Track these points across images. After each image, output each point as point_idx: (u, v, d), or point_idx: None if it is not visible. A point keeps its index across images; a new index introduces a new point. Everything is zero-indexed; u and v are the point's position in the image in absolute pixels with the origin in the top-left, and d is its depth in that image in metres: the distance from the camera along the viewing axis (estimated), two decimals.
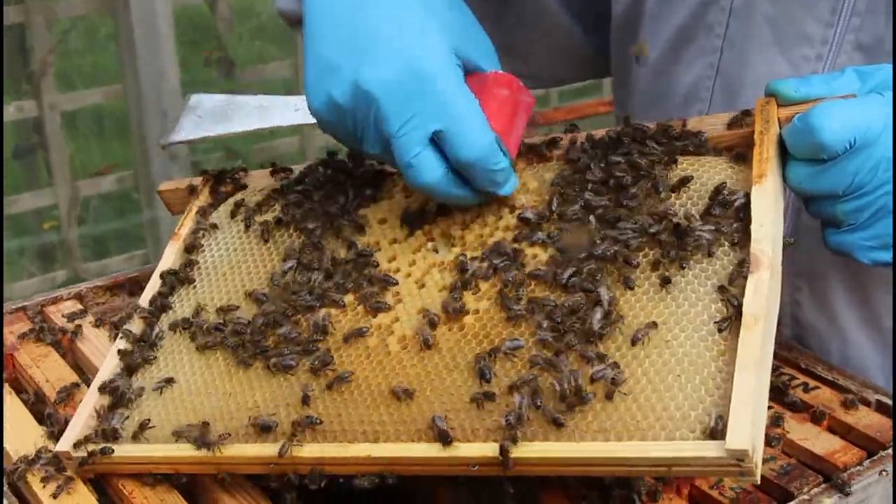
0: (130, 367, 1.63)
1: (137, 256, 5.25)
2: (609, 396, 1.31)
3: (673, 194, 1.50)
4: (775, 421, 1.60)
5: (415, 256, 1.57)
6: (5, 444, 1.61)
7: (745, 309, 1.33)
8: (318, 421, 1.42)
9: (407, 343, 1.47)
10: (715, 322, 1.35)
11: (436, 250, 1.56)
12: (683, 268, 1.40)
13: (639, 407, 1.30)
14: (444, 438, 1.33)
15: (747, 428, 1.22)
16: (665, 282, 1.40)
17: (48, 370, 1.82)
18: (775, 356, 1.76)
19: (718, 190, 1.47)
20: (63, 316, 1.97)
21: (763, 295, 1.34)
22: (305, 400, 1.45)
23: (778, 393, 1.67)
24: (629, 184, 1.51)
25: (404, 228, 1.61)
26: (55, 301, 2.03)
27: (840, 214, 1.48)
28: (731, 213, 1.44)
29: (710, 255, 1.41)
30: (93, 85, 5.32)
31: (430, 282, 1.53)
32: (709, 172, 1.51)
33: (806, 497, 1.44)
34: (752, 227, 1.40)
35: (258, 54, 6.17)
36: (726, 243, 1.41)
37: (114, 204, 5.51)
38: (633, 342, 1.35)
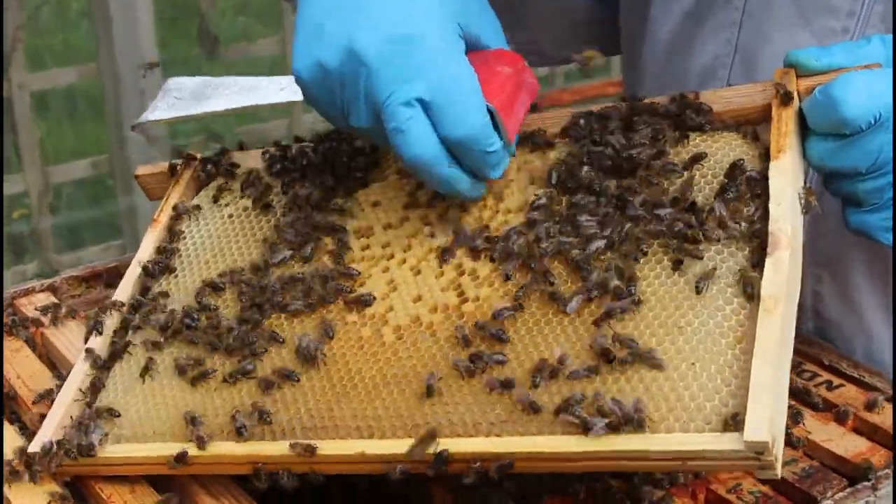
0: (104, 364, 1.63)
1: (114, 247, 5.24)
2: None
3: (686, 172, 1.50)
4: (795, 419, 1.60)
5: (410, 241, 1.57)
6: None
7: (763, 291, 1.32)
8: (268, 419, 1.43)
9: (402, 333, 1.47)
10: (731, 306, 1.35)
11: (433, 235, 1.56)
12: (698, 250, 1.40)
13: (651, 398, 1.30)
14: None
15: (766, 419, 1.21)
16: (677, 264, 1.40)
17: (20, 366, 1.82)
18: (797, 352, 1.77)
19: (734, 167, 1.46)
20: (36, 309, 1.97)
21: (783, 275, 1.32)
22: (292, 376, 1.47)
23: (799, 391, 1.67)
24: (642, 162, 1.51)
25: (399, 212, 1.61)
26: (27, 293, 2.02)
27: (862, 193, 1.47)
28: (748, 192, 1.44)
29: (726, 235, 1.40)
30: (65, 64, 5.30)
31: (427, 268, 1.53)
32: (723, 149, 1.51)
33: (830, 502, 1.44)
34: (771, 205, 1.39)
35: (243, 31, 6.15)
36: (743, 223, 1.41)
37: (88, 191, 5.49)
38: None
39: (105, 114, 5.18)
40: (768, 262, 1.34)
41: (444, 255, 1.51)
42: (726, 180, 1.45)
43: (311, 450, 1.38)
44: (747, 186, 1.44)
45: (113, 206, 5.38)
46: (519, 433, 1.32)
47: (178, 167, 1.89)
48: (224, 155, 1.85)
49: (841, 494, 1.46)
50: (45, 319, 1.92)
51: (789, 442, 1.56)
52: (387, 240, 1.59)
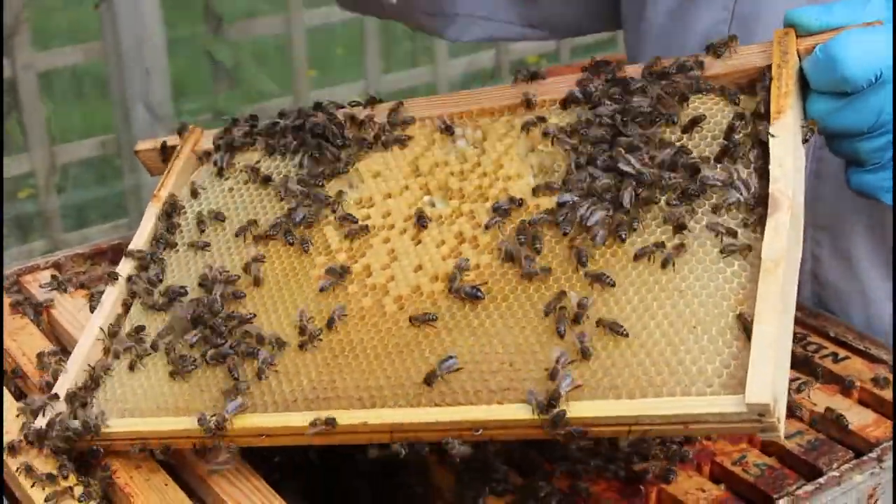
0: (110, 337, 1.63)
1: (120, 226, 5.23)
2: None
3: (685, 136, 1.48)
4: (800, 390, 1.60)
5: (410, 212, 1.56)
6: None
7: (764, 253, 1.31)
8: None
9: (403, 303, 1.47)
10: (732, 269, 1.34)
11: (433, 204, 1.56)
12: (697, 212, 1.39)
13: (652, 362, 1.29)
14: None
15: (768, 380, 1.20)
16: (680, 228, 1.39)
17: (25, 343, 1.82)
18: (802, 325, 1.77)
19: (732, 129, 1.44)
20: (40, 286, 1.97)
21: (783, 238, 1.31)
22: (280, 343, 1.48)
23: (804, 363, 1.67)
24: (642, 124, 1.49)
25: (400, 181, 1.60)
26: (32, 270, 2.03)
27: (863, 153, 1.46)
28: (748, 153, 1.42)
29: (726, 198, 1.39)
30: (70, 43, 5.29)
31: (428, 238, 1.52)
32: (723, 111, 1.49)
33: (835, 473, 1.44)
34: (771, 166, 1.38)
35: (248, 9, 6.12)
36: (742, 187, 1.39)
37: (94, 170, 5.49)
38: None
39: (111, 93, 5.16)
40: (769, 224, 1.33)
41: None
42: (726, 142, 1.43)
43: (330, 422, 1.38)
44: (746, 148, 1.42)
45: (119, 186, 5.37)
46: (521, 399, 1.32)
47: (181, 137, 1.89)
48: (233, 126, 1.84)
49: (846, 466, 1.46)
50: (50, 296, 1.92)
51: (792, 412, 1.56)
52: (387, 209, 1.59)
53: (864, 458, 1.47)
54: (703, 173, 1.41)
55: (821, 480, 1.43)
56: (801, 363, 1.67)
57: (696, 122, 1.47)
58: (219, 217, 1.71)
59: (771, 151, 1.39)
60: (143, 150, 1.94)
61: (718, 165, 1.42)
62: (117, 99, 5.14)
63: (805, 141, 1.43)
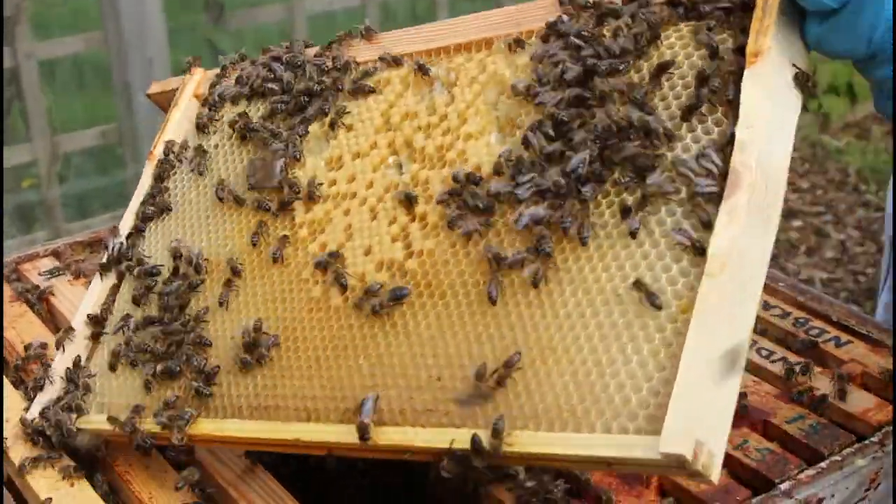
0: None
1: (122, 215, 5.23)
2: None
3: (652, 84, 1.26)
4: (804, 372, 1.59)
5: (374, 176, 1.49)
6: None
7: (710, 248, 1.11)
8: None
9: (348, 295, 1.40)
10: (680, 264, 1.14)
11: (399, 166, 1.47)
12: (646, 197, 1.19)
13: (576, 385, 1.14)
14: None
15: (689, 425, 1.03)
16: (625, 213, 1.20)
17: (24, 331, 1.82)
18: (803, 308, 1.76)
19: (703, 78, 1.22)
20: (40, 274, 1.97)
21: (738, 227, 1.11)
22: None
23: (807, 347, 1.66)
24: (601, 74, 1.29)
25: (370, 137, 1.53)
26: (31, 258, 2.02)
27: (875, 82, 1.30)
28: (723, 99, 1.20)
29: (681, 173, 1.18)
30: (71, 32, 5.28)
31: (382, 212, 1.44)
32: (700, 51, 1.26)
33: (837, 458, 1.43)
34: (738, 127, 1.16)
35: None
36: (713, 154, 1.18)
37: (96, 160, 5.48)
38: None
39: (112, 82, 5.16)
40: (721, 208, 1.13)
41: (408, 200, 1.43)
42: (695, 97, 1.22)
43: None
44: (715, 104, 1.21)
45: (121, 175, 5.36)
46: (442, 424, 1.23)
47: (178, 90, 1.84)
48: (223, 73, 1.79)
49: (848, 450, 1.45)
50: (49, 284, 1.92)
51: (793, 397, 1.55)
52: (353, 173, 1.51)
53: (866, 441, 1.46)
54: (653, 174, 1.21)
55: (822, 465, 1.42)
56: (804, 347, 1.66)
57: (663, 68, 1.26)
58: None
59: (741, 107, 1.17)
60: (155, 93, 1.91)
61: (685, 125, 1.22)
62: (119, 88, 5.13)
63: (804, 86, 1.22)
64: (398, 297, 1.33)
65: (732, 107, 1.19)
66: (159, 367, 1.50)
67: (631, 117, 1.23)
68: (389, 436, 1.26)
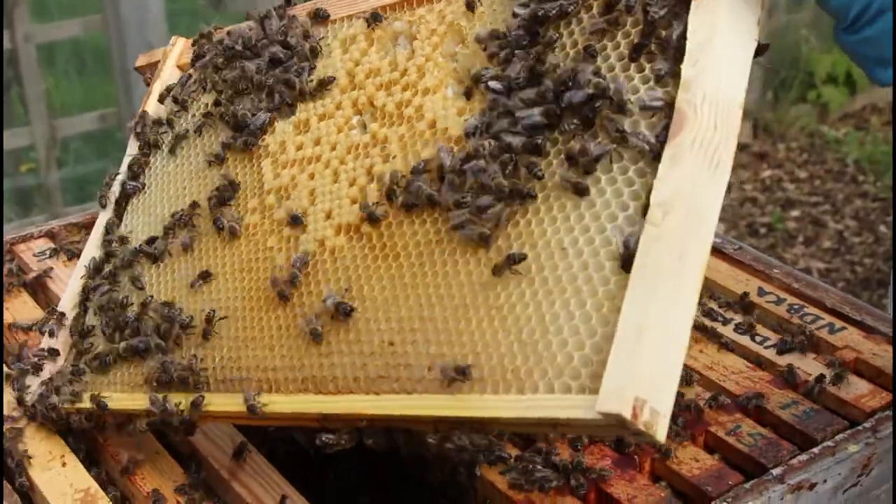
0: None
1: None
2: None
3: (603, 19, 1.22)
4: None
5: (338, 138, 1.47)
6: None
7: (653, 196, 1.07)
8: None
9: (308, 261, 1.40)
10: (625, 213, 1.11)
11: (363, 126, 1.46)
12: (594, 140, 1.16)
13: (520, 345, 1.13)
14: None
15: (628, 381, 1.00)
16: (571, 162, 1.17)
17: (18, 312, 1.81)
18: (797, 294, 1.75)
19: (647, 6, 1.16)
20: (34, 255, 1.96)
21: (681, 171, 1.07)
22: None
23: (800, 334, 1.65)
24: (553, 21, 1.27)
25: (336, 97, 1.51)
26: (25, 239, 2.02)
27: (866, 38, 1.23)
28: (665, 46, 1.16)
29: (628, 119, 1.14)
30: (71, 15, 5.26)
31: (343, 173, 1.43)
32: None
33: (830, 443, 1.43)
34: (684, 65, 1.12)
35: None
36: (648, 95, 1.13)
37: (95, 144, 5.47)
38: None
39: (111, 66, 5.14)
40: (665, 152, 1.08)
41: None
42: (643, 35, 1.17)
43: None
44: (663, 41, 1.16)
45: (120, 159, 5.36)
46: (394, 391, 1.23)
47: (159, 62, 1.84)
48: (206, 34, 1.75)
49: (841, 436, 1.45)
50: (43, 265, 1.91)
51: (792, 386, 1.55)
52: (319, 136, 1.50)
53: (859, 427, 1.46)
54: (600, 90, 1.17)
55: (815, 450, 1.42)
56: (797, 334, 1.66)
57: (611, 5, 1.22)
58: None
59: (687, 41, 1.12)
60: (142, 65, 1.90)
61: (633, 65, 1.18)
62: (118, 72, 5.11)
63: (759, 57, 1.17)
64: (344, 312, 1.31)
65: (678, 45, 1.14)
66: (122, 346, 1.50)
67: (580, 77, 1.19)
68: (342, 405, 1.26)
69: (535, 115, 1.21)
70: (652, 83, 1.15)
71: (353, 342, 1.29)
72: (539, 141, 1.20)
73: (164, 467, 1.48)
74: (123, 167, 1.76)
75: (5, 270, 1.90)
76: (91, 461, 1.52)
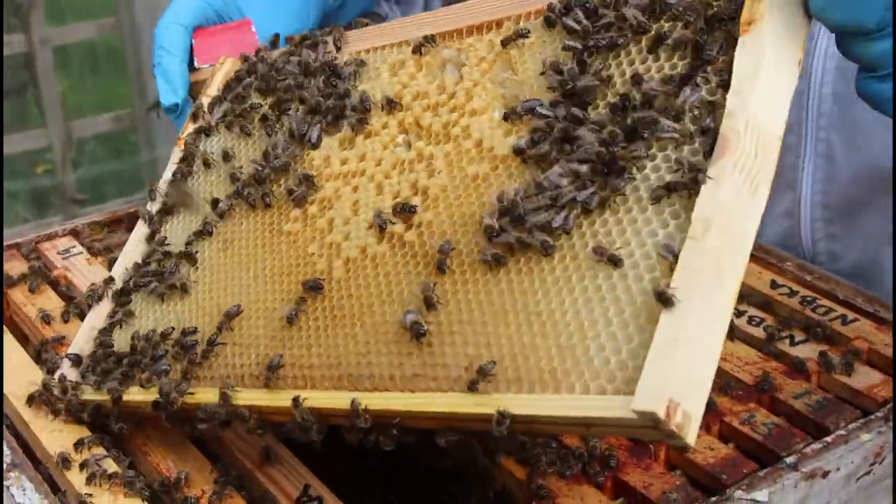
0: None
1: (136, 200, 5.25)
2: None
3: (650, 57, 1.28)
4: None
5: (383, 154, 1.51)
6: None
7: (695, 212, 1.13)
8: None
9: (350, 267, 1.43)
10: (666, 230, 1.16)
11: (408, 144, 1.49)
12: (634, 160, 1.21)
13: (558, 349, 1.17)
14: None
15: (664, 383, 1.04)
16: (607, 172, 1.22)
17: (44, 307, 1.84)
18: (809, 286, 1.78)
19: (697, 48, 1.22)
20: (58, 253, 2.00)
21: (723, 192, 1.12)
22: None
23: (813, 325, 1.68)
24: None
25: (382, 118, 1.55)
26: (50, 237, 2.05)
27: (873, 55, 1.26)
28: (713, 80, 1.20)
29: (671, 136, 1.20)
30: (85, 18, 5.30)
31: (387, 185, 1.47)
32: (695, 21, 1.25)
33: (843, 432, 1.45)
34: (729, 95, 1.17)
35: None
36: (692, 122, 1.19)
37: (110, 145, 5.51)
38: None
39: (126, 68, 5.19)
40: (710, 172, 1.14)
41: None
42: (690, 66, 1.22)
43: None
44: (709, 73, 1.21)
45: (135, 160, 5.39)
46: (430, 389, 1.26)
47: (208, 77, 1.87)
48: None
49: (854, 425, 1.47)
50: (67, 263, 1.95)
51: (803, 374, 1.57)
52: (364, 152, 1.53)
53: (872, 417, 1.48)
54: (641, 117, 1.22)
55: (828, 439, 1.44)
56: (810, 325, 1.68)
57: (661, 40, 1.28)
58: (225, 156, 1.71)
59: (733, 74, 1.18)
60: (196, 80, 1.93)
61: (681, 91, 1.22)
62: (132, 73, 5.16)
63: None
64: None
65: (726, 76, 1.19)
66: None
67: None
68: (377, 401, 1.29)
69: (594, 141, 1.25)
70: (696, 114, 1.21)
71: (391, 342, 1.32)
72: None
73: (188, 457, 1.51)
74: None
75: (30, 268, 1.94)
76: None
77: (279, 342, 1.44)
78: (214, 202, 1.65)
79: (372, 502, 1.58)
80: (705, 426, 1.51)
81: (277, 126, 1.67)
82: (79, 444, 1.51)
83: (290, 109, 1.66)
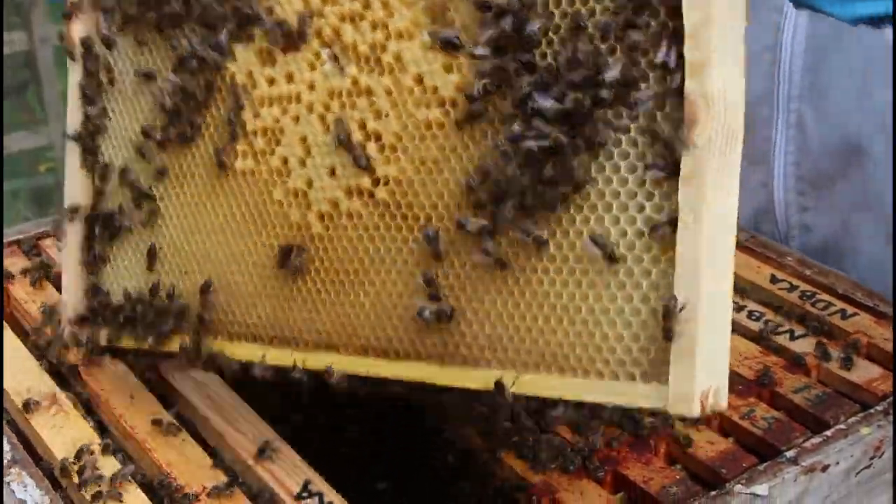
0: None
1: None
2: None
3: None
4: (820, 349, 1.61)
5: (313, 76, 1.38)
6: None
7: (681, 198, 1.11)
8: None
9: (327, 223, 1.38)
10: (651, 203, 1.14)
11: (334, 59, 1.35)
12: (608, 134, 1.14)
13: (576, 335, 1.18)
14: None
15: (691, 380, 1.10)
16: (589, 146, 1.16)
17: (45, 304, 1.84)
18: (809, 281, 1.78)
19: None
20: (59, 250, 2.00)
21: (705, 171, 1.08)
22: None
23: (813, 320, 1.68)
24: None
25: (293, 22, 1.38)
26: (50, 234, 2.05)
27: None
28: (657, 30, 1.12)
29: (629, 106, 1.14)
30: None
31: (333, 122, 1.36)
32: None
33: (842, 427, 1.46)
34: (686, 48, 1.07)
35: None
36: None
37: None
38: None
39: None
40: (684, 152, 1.10)
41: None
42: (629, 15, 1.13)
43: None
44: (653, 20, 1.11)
45: None
46: (458, 364, 1.27)
47: None
48: None
49: (853, 419, 1.47)
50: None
51: (803, 370, 1.58)
52: (290, 70, 1.40)
53: (871, 410, 1.48)
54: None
55: (828, 433, 1.44)
56: (810, 320, 1.68)
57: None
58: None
59: (684, 31, 1.08)
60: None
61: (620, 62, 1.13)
62: None
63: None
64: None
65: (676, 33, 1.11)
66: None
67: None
68: (402, 370, 1.31)
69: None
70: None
71: (402, 311, 1.32)
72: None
73: (188, 454, 1.51)
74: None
75: (32, 264, 1.94)
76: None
77: (284, 302, 1.42)
78: (145, 132, 1.57)
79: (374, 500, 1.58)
80: (705, 421, 1.51)
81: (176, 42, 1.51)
82: (80, 454, 1.50)
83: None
